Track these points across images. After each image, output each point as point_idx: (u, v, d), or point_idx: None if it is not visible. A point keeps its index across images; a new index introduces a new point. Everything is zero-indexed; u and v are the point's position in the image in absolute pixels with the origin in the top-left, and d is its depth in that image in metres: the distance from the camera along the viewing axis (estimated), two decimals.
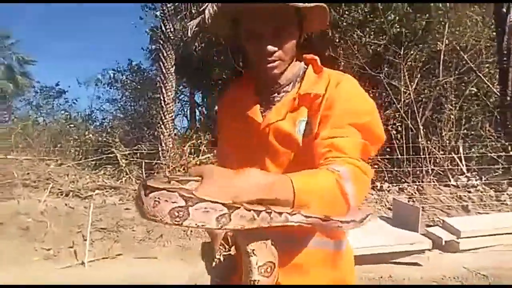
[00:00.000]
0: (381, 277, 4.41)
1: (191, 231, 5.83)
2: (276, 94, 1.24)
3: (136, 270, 4.94)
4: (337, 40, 9.20)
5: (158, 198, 0.80)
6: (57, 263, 5.18)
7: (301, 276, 1.16)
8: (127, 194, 7.26)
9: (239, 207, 0.83)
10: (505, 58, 7.86)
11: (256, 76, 1.29)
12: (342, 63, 9.25)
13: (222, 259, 1.24)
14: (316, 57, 1.26)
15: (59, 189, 7.30)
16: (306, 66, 1.27)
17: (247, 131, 1.24)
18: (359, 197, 1.00)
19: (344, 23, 9.11)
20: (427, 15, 9.14)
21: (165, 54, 8.95)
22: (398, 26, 8.93)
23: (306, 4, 1.11)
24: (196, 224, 0.81)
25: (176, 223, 0.81)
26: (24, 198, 6.86)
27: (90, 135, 10.16)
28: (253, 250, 0.93)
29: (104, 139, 9.50)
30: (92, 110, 13.73)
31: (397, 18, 8.99)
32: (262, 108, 1.24)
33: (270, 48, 1.12)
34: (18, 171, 7.97)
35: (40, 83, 17.85)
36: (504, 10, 7.76)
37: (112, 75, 13.24)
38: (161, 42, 9.06)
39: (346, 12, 9.07)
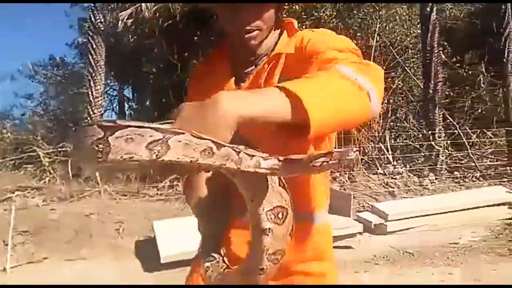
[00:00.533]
0: None
1: (123, 229, 5.61)
2: (253, 67, 1.17)
3: (64, 273, 4.64)
4: None
5: (128, 135, 0.65)
6: None
7: None
8: (51, 195, 6.82)
9: (183, 133, 0.68)
10: (428, 55, 8.37)
11: (232, 49, 1.21)
12: None
13: None
14: (293, 20, 1.20)
15: None
16: (281, 32, 1.20)
17: None
18: (378, 90, 0.86)
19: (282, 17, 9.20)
20: (362, 11, 9.49)
21: (94, 46, 8.51)
22: (334, 22, 9.17)
23: None
24: (177, 158, 0.67)
25: (156, 157, 0.66)
26: None
27: (9, 134, 9.39)
28: (255, 193, 0.80)
29: (24, 137, 8.83)
30: (8, 106, 12.74)
31: (334, 13, 9.22)
32: (239, 82, 1.16)
33: (247, 17, 1.07)
34: None
35: None
36: (428, 9, 8.26)
37: (31, 67, 12.32)
38: (90, 34, 8.60)
39: (286, 6, 9.17)
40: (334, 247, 4.37)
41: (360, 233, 5.40)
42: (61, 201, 6.45)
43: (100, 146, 0.65)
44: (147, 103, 12.50)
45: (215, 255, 1.00)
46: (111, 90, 13.15)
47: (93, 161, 0.67)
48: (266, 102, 0.75)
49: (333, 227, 4.49)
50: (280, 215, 0.81)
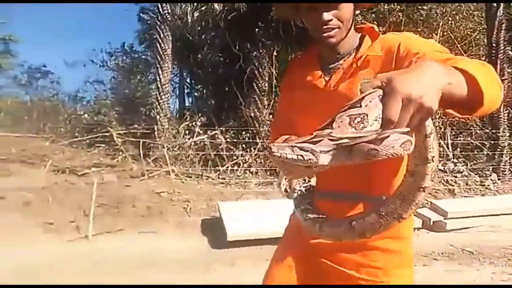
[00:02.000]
0: None
1: (190, 208, 6.02)
2: (337, 63, 1.30)
3: (139, 244, 5.10)
4: None
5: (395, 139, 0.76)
6: (60, 237, 5.31)
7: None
8: (124, 172, 7.39)
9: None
10: (493, 51, 8.10)
11: (318, 47, 1.35)
12: None
13: (303, 190, 1.30)
14: (373, 25, 1.31)
15: (55, 166, 7.38)
16: (363, 35, 1.32)
17: (310, 98, 1.31)
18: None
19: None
20: (428, 5, 9.28)
21: (161, 35, 8.98)
22: (399, 15, 9.06)
23: None
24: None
25: (406, 151, 0.78)
26: (22, 174, 6.95)
27: (86, 115, 10.15)
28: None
29: (100, 118, 9.52)
30: (80, 91, 13.70)
31: (398, 7, 9.09)
32: (325, 76, 1.30)
33: (326, 15, 1.18)
34: (12, 148, 8.02)
35: (27, 63, 17.60)
36: (495, 5, 7.98)
37: (104, 56, 13.19)
38: (158, 23, 9.07)
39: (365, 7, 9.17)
40: None
41: (418, 228, 5.48)
42: (133, 179, 6.99)
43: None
44: (207, 91, 12.97)
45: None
46: (175, 77, 13.72)
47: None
48: (457, 77, 0.82)
49: None
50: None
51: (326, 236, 1.17)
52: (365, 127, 0.81)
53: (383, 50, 1.21)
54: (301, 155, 0.83)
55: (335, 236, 1.13)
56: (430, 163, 0.91)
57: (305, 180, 1.30)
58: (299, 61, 1.46)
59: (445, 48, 1.13)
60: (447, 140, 8.27)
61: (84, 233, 5.39)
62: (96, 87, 13.45)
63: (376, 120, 0.80)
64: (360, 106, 0.81)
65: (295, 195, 1.29)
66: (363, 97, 0.81)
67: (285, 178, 1.37)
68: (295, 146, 0.84)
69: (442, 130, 8.51)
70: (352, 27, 1.28)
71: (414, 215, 4.49)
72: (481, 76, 0.83)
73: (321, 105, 1.22)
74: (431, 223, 5.58)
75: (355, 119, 0.82)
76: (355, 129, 0.82)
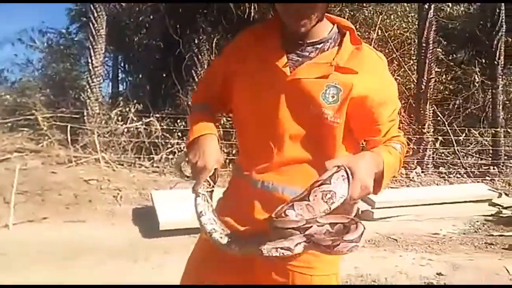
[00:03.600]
0: None
1: (121, 197, 5.81)
2: (304, 48, 1.22)
3: (64, 234, 4.82)
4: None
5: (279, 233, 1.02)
6: None
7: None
8: (49, 158, 6.95)
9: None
10: (423, 51, 8.56)
11: (283, 28, 1.24)
12: None
13: (207, 195, 1.23)
14: (353, 27, 1.26)
15: None
16: (340, 31, 1.26)
17: (268, 80, 1.21)
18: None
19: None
20: (370, 6, 9.57)
21: (95, 15, 8.51)
22: (338, 15, 9.26)
23: None
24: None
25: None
26: None
27: (7, 96, 9.40)
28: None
29: (23, 100, 8.86)
30: (4, 70, 12.66)
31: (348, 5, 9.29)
32: (290, 62, 1.21)
33: (299, 5, 1.14)
34: None
35: None
36: (426, 6, 8.43)
37: (36, 36, 12.28)
38: (92, 3, 8.59)
39: None
40: None
41: None
42: (60, 165, 6.59)
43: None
44: (143, 77, 12.54)
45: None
46: (109, 60, 13.11)
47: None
48: (378, 167, 1.15)
49: None
50: None
51: (234, 253, 1.18)
52: (334, 203, 1.03)
53: (359, 69, 1.18)
54: (282, 253, 0.97)
55: (244, 255, 1.17)
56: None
57: (209, 183, 1.23)
58: (256, 33, 1.32)
59: (396, 105, 1.27)
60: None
61: (4, 222, 5.01)
62: (22, 68, 12.49)
63: (341, 197, 1.03)
64: (330, 183, 1.02)
65: (198, 200, 1.22)
66: (331, 175, 1.02)
67: (183, 157, 1.32)
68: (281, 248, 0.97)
69: None
70: (323, 16, 1.22)
71: None
72: (390, 170, 1.18)
73: (278, 91, 1.19)
74: (360, 213, 5.81)
75: (326, 195, 1.02)
76: (327, 204, 1.02)
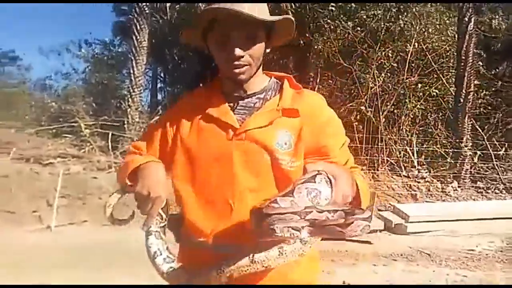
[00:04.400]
0: (338, 251, 4.79)
1: None
2: (245, 101, 1.23)
3: (102, 236, 5.02)
4: (312, 26, 9.37)
5: (276, 221, 0.92)
6: (22, 227, 5.19)
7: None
8: (90, 164, 7.27)
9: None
10: (462, 63, 8.40)
11: (223, 82, 1.26)
12: (316, 47, 9.48)
13: (160, 231, 1.18)
14: (290, 76, 1.29)
15: (20, 154, 7.18)
16: (278, 81, 1.28)
17: (217, 135, 1.19)
18: None
19: (327, 10, 9.30)
20: (405, 15, 9.49)
21: (138, 28, 8.89)
22: (379, 23, 9.22)
23: (276, 17, 1.16)
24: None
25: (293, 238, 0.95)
26: None
27: (53, 103, 9.91)
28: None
29: (68, 107, 9.32)
30: (49, 78, 13.38)
31: (377, 15, 9.26)
32: (236, 114, 1.21)
33: (238, 51, 1.13)
34: None
35: None
36: (467, 19, 8.29)
37: (81, 46, 12.97)
38: (135, 16, 8.98)
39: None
40: (353, 240, 4.65)
41: (380, 230, 5.65)
42: (100, 171, 6.88)
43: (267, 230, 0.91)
44: (181, 87, 12.90)
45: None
46: (149, 71, 13.62)
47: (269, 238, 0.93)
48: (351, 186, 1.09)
49: None
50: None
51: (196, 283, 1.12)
52: (318, 203, 0.98)
53: (303, 111, 1.19)
54: (292, 234, 0.91)
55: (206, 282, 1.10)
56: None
57: (162, 217, 1.17)
58: (198, 93, 1.32)
59: (345, 138, 1.27)
60: (413, 147, 8.54)
61: (47, 224, 5.29)
62: (67, 76, 13.17)
63: (326, 199, 0.99)
64: (315, 182, 0.99)
65: (151, 238, 1.15)
66: (315, 175, 1.01)
67: (116, 199, 1.22)
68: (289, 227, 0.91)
69: (409, 137, 8.79)
70: (261, 66, 1.23)
71: (377, 217, 4.61)
72: (364, 191, 1.14)
73: (233, 151, 1.16)
74: (393, 226, 5.76)
75: (311, 193, 0.98)
76: (312, 202, 0.98)
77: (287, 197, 0.98)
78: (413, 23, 9.39)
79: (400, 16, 9.36)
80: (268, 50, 1.22)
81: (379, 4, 9.36)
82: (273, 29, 1.20)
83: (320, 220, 0.93)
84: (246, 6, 1.11)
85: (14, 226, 5.19)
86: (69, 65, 13.74)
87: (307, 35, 9.38)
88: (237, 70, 1.16)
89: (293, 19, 1.21)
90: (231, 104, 1.22)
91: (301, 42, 9.31)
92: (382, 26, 9.12)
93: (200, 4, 8.78)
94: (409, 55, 9.13)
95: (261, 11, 1.15)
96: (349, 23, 9.16)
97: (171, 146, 1.24)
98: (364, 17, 9.34)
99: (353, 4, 9.40)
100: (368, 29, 9.24)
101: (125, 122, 8.48)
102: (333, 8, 9.24)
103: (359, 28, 9.31)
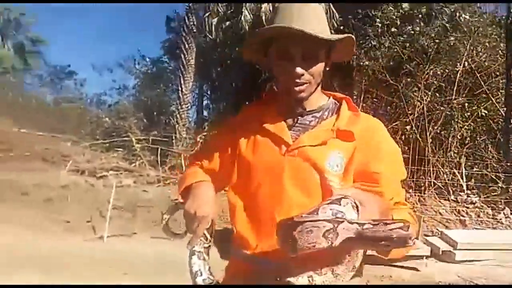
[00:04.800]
0: (383, 276, 4.73)
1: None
2: (302, 118, 1.24)
3: (151, 248, 5.23)
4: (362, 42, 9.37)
5: (309, 228, 0.90)
6: (77, 236, 5.49)
7: None
8: (140, 178, 7.59)
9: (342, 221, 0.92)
10: (511, 84, 8.13)
11: (281, 98, 1.27)
12: (361, 64, 9.45)
13: (204, 252, 1.18)
14: (349, 97, 1.29)
15: (75, 167, 7.62)
16: (337, 102, 1.28)
17: (271, 150, 1.21)
18: None
19: (379, 24, 9.29)
20: (456, 33, 9.32)
21: (186, 46, 9.27)
22: (421, 44, 9.12)
23: (338, 36, 1.18)
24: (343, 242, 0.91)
25: (329, 244, 0.90)
26: (44, 172, 7.19)
27: (107, 119, 10.45)
28: None
29: (120, 123, 9.80)
30: (103, 94, 14.14)
31: (424, 32, 9.14)
32: (291, 131, 1.22)
33: (299, 70, 1.14)
34: (36, 146, 8.29)
35: (52, 63, 18.21)
36: None
37: (132, 63, 13.70)
38: (184, 35, 9.37)
39: (380, 15, 9.24)
40: (399, 266, 4.57)
41: (426, 257, 5.51)
42: (150, 184, 7.18)
43: (331, 235, 0.89)
44: (226, 103, 13.22)
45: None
46: (195, 88, 14.04)
47: (323, 246, 0.91)
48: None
49: None
50: None
51: None
52: None
53: (358, 134, 1.18)
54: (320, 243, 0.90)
55: None
56: (353, 271, 1.00)
57: (206, 238, 1.17)
58: (256, 107, 1.35)
59: (401, 172, 1.21)
60: (462, 170, 8.29)
61: (100, 234, 5.57)
62: (119, 92, 13.89)
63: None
64: (340, 205, 0.95)
65: (194, 258, 1.16)
66: (340, 198, 0.96)
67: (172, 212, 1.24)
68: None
69: (457, 160, 8.54)
70: (320, 84, 1.25)
71: (424, 243, 4.49)
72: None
73: (284, 167, 1.17)
74: (440, 253, 5.60)
75: (336, 214, 0.94)
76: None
77: (311, 215, 0.94)
78: (463, 40, 9.20)
79: (449, 33, 9.20)
80: (327, 68, 1.23)
81: (428, 20, 9.24)
82: (334, 47, 1.21)
83: (361, 231, 0.90)
84: (308, 24, 1.12)
85: (69, 234, 5.50)
86: (121, 82, 14.47)
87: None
88: (297, 88, 1.17)
89: (354, 38, 1.21)
90: (287, 120, 1.23)
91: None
92: (432, 43, 8.99)
93: (245, 19, 9.03)
94: (458, 74, 8.92)
95: (323, 29, 1.17)
96: (399, 37, 9.08)
97: (229, 158, 1.27)
98: (412, 32, 9.24)
99: (399, 21, 9.31)
100: (416, 46, 9.13)
101: (173, 138, 8.81)
102: (379, 25, 9.20)
103: (407, 45, 9.21)
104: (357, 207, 0.96)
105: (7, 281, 3.66)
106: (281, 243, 0.95)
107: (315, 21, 1.16)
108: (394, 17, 9.27)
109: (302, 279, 0.97)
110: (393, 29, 9.29)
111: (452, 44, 9.17)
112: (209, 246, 1.18)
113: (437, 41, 9.19)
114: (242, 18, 8.83)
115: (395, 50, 9.23)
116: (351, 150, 1.16)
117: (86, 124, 11.07)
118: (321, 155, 1.16)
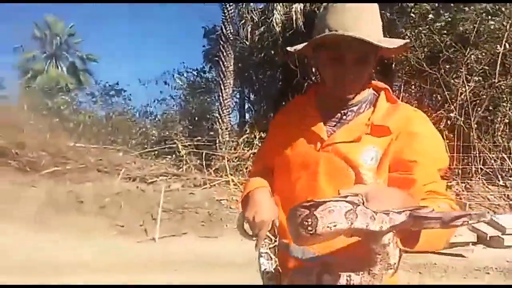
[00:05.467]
0: (427, 264, 4.74)
1: None
2: (339, 113, 1.24)
3: (200, 247, 5.54)
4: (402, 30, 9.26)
5: (331, 207, 0.87)
6: (130, 238, 5.88)
7: None
8: (188, 181, 7.96)
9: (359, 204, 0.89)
10: None
11: (323, 92, 1.28)
12: (400, 56, 9.33)
13: (269, 252, 1.20)
14: (388, 87, 1.27)
15: (127, 175, 8.09)
16: (376, 93, 1.27)
17: (307, 145, 1.22)
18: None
19: (413, 15, 9.18)
20: (494, 17, 9.00)
21: (224, 54, 9.60)
22: (465, 25, 8.86)
23: (398, 43, 1.17)
24: (361, 224, 0.87)
25: (349, 225, 0.86)
26: (99, 181, 7.72)
27: (153, 130, 11.00)
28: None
29: (167, 132, 10.28)
30: (148, 105, 14.88)
31: (463, 18, 8.92)
32: (327, 126, 1.23)
33: (349, 73, 1.15)
34: (90, 158, 8.88)
35: (103, 81, 19.34)
36: None
37: (174, 76, 14.42)
38: (221, 43, 9.71)
39: (416, 5, 9.14)
40: (445, 254, 4.59)
41: (473, 243, 5.43)
42: (196, 187, 7.53)
43: (351, 215, 0.86)
44: (266, 106, 13.48)
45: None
46: (236, 93, 14.40)
47: (343, 228, 0.87)
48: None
49: None
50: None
51: None
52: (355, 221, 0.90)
53: (395, 124, 1.16)
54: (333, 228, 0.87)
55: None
56: (391, 269, 0.97)
57: (270, 239, 1.20)
58: (297, 101, 1.39)
59: (441, 162, 1.18)
60: (511, 154, 8.00)
61: (152, 236, 5.94)
62: (164, 103, 14.58)
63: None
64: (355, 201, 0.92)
65: (262, 260, 1.19)
66: (347, 195, 0.93)
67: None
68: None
69: (505, 144, 8.24)
70: (367, 83, 1.25)
71: (469, 229, 4.45)
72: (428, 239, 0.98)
73: (319, 162, 1.18)
74: (488, 238, 5.50)
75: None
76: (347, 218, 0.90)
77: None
78: (504, 23, 8.83)
79: (490, 17, 8.87)
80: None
81: (465, 6, 8.97)
82: (385, 49, 1.18)
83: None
84: (365, 29, 1.11)
85: (124, 237, 5.91)
86: (166, 93, 15.18)
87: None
88: (346, 90, 1.19)
89: (409, 43, 1.27)
90: (326, 114, 1.24)
91: None
92: (471, 27, 8.72)
93: (275, 22, 9.16)
94: (499, 57, 8.60)
95: (377, 32, 1.17)
96: (435, 25, 8.90)
97: (276, 155, 1.30)
98: (449, 19, 9.02)
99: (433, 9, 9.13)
100: (455, 33, 8.90)
101: (217, 142, 9.15)
102: (413, 15, 9.06)
103: (445, 31, 8.99)
104: (363, 203, 0.92)
105: (73, 281, 4.05)
106: (298, 226, 0.89)
107: (370, 25, 1.15)
108: (429, 7, 9.10)
109: (341, 279, 0.98)
110: (430, 16, 9.11)
111: (492, 27, 8.84)
112: (275, 246, 1.20)
113: (475, 25, 8.91)
114: (274, 21, 9.04)
115: (433, 38, 9.04)
116: (387, 142, 1.15)
117: (135, 134, 11.71)
118: (355, 150, 1.16)
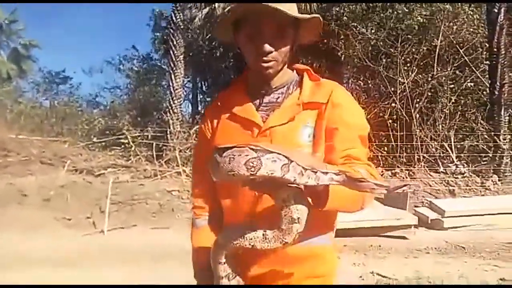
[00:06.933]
0: (371, 246, 4.95)
1: None
2: (268, 97, 1.27)
3: (151, 239, 5.45)
4: (337, 32, 9.60)
5: (232, 154, 0.91)
6: (78, 231, 5.70)
7: (291, 269, 1.20)
8: (137, 173, 7.80)
9: (293, 161, 0.93)
10: (494, 55, 8.28)
11: (250, 79, 1.31)
12: (342, 54, 9.68)
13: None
14: (309, 67, 1.32)
15: (73, 167, 7.81)
16: (299, 74, 1.31)
17: (243, 134, 1.23)
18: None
19: (345, 17, 9.54)
20: (425, 13, 9.50)
21: (174, 42, 9.42)
22: (395, 22, 9.34)
23: (305, 15, 1.21)
24: (267, 173, 0.90)
25: (252, 173, 0.90)
26: (43, 174, 7.39)
27: (100, 119, 10.63)
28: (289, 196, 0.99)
29: (114, 122, 9.98)
30: (97, 95, 14.33)
31: (393, 15, 9.37)
32: (260, 111, 1.25)
33: (267, 47, 1.16)
34: (33, 150, 8.47)
35: (46, 68, 18.35)
36: (496, 10, 8.17)
37: (119, 61, 13.84)
38: (171, 31, 9.52)
39: (346, 8, 9.52)
40: (389, 236, 4.80)
41: (416, 226, 5.73)
42: (147, 178, 7.39)
43: (254, 163, 0.90)
44: (217, 96, 13.41)
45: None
46: (189, 83, 14.19)
47: (245, 174, 0.91)
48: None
49: (387, 218, 5.01)
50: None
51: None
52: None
53: (321, 100, 1.22)
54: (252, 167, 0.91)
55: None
56: (296, 223, 1.00)
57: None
58: (224, 93, 1.38)
59: (357, 129, 1.22)
60: (451, 142, 8.48)
61: (100, 228, 5.79)
62: (111, 92, 14.09)
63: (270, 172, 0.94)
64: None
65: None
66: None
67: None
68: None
69: (445, 133, 8.73)
70: (287, 63, 1.28)
71: (412, 213, 4.72)
72: (340, 193, 1.03)
73: (254, 141, 1.16)
74: (429, 221, 5.83)
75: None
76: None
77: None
78: (439, 16, 9.33)
79: (414, 13, 9.39)
80: (294, 49, 1.24)
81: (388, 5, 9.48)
82: (301, 28, 1.22)
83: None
84: (276, 3, 1.13)
85: (71, 231, 5.71)
86: (113, 82, 14.67)
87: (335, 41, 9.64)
88: (265, 65, 1.19)
89: (321, 18, 1.23)
90: (255, 101, 1.25)
91: (332, 45, 9.55)
92: (399, 24, 9.19)
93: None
94: (437, 50, 9.07)
95: (291, 9, 1.18)
96: (368, 23, 9.31)
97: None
98: (379, 19, 9.49)
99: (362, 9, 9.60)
100: (386, 30, 9.36)
101: (167, 132, 8.99)
102: (346, 17, 9.45)
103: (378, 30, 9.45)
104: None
105: (17, 276, 3.85)
106: (241, 163, 0.92)
107: (284, 1, 1.18)
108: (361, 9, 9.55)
109: (257, 233, 1.03)
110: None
111: (421, 21, 9.34)
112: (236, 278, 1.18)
113: (404, 21, 9.39)
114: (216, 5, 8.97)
115: (369, 37, 9.46)
116: (317, 116, 1.21)
117: (82, 125, 11.25)
118: (292, 131, 1.19)
